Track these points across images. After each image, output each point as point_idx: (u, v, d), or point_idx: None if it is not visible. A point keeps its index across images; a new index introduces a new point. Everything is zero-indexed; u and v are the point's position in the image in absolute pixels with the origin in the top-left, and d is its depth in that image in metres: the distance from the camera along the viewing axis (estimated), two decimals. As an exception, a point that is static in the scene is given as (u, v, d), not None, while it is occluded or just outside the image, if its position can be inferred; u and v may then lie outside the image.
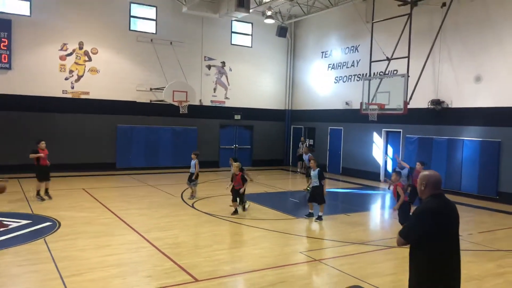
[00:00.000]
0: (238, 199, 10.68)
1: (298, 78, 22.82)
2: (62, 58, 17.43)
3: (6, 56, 16.26)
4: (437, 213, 3.45)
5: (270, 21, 19.35)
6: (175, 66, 19.36)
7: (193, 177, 12.50)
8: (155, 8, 19.28)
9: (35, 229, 8.62)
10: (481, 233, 9.67)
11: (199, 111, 20.00)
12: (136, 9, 19.06)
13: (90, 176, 16.47)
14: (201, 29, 20.32)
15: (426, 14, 15.55)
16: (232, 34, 21.43)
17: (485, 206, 12.90)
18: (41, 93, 16.96)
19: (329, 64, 20.66)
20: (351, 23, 19.15)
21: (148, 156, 19.23)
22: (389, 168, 17.44)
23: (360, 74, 18.65)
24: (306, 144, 16.67)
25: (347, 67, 19.64)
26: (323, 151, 20.47)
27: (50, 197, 11.73)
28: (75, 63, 17.69)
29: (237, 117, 21.53)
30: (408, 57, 14.13)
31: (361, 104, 15.55)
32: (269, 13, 18.65)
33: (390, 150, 17.67)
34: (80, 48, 17.75)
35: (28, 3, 16.72)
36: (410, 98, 14.11)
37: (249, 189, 11.74)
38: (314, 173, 10.38)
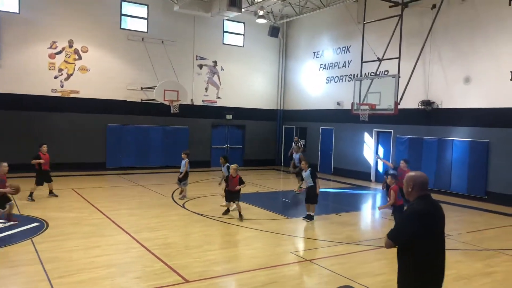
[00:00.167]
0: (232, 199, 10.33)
1: (290, 78, 22.85)
2: (51, 56, 17.23)
3: (-6, 54, 16.06)
4: (425, 215, 3.44)
5: (262, 21, 19.34)
6: (166, 65, 19.26)
7: (180, 176, 12.46)
8: (146, 7, 19.15)
9: (22, 230, 8.49)
10: (470, 232, 9.75)
11: (190, 111, 19.92)
12: (127, 7, 18.91)
13: (80, 176, 16.31)
14: (192, 28, 20.24)
15: (417, 16, 15.66)
16: (224, 33, 21.37)
17: (474, 205, 13.02)
18: (30, 92, 16.75)
19: (321, 64, 20.71)
20: (342, 24, 19.21)
21: (139, 156, 19.10)
22: (380, 168, 17.53)
23: (351, 75, 18.72)
24: (299, 144, 16.68)
25: (338, 68, 19.71)
26: (315, 151, 20.52)
27: (56, 195, 12.08)
28: (65, 61, 17.50)
29: (229, 116, 21.49)
30: (399, 58, 14.23)
31: (352, 104, 15.61)
32: (261, 12, 18.63)
33: (381, 150, 17.76)
34: (70, 46, 17.57)
35: (17, 0, 16.50)
36: (401, 99, 14.21)
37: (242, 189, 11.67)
38: (306, 174, 10.33)
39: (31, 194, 11.60)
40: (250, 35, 21.91)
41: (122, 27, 18.70)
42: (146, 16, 19.19)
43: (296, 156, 14.89)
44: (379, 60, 15.51)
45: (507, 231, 10.13)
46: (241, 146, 22.21)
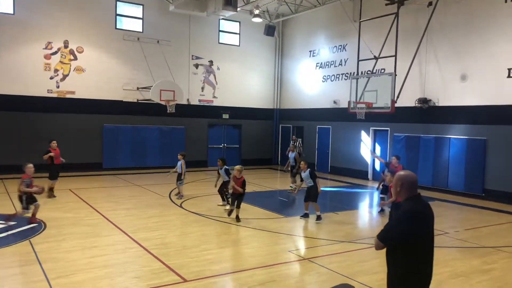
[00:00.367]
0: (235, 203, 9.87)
1: (286, 77, 22.85)
2: (46, 57, 17.16)
3: (-11, 54, 15.97)
4: (417, 214, 3.38)
5: (257, 19, 19.32)
6: (162, 65, 19.21)
7: (169, 173, 12.68)
8: (141, 7, 19.10)
9: (20, 231, 8.45)
10: (467, 230, 9.78)
11: (186, 110, 19.89)
12: (122, 7, 18.86)
13: (77, 176, 16.25)
14: (188, 28, 20.20)
15: (413, 14, 15.68)
16: (220, 32, 21.35)
17: (471, 203, 13.06)
18: (26, 93, 16.67)
19: (317, 63, 20.72)
20: (338, 22, 19.22)
21: (135, 156, 19.05)
22: (377, 167, 17.56)
23: (347, 73, 18.73)
24: (297, 143, 16.61)
25: (335, 66, 19.72)
26: (312, 150, 20.53)
27: (54, 196, 12.09)
28: (60, 62, 17.43)
29: (225, 116, 21.47)
30: (395, 56, 14.26)
31: (349, 102, 15.63)
32: (256, 11, 18.62)
33: (378, 148, 17.80)
34: (65, 46, 17.50)
35: (11, 0, 16.41)
36: (398, 97, 14.24)
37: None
38: (305, 174, 10.21)
39: (51, 190, 11.94)
40: (246, 34, 21.90)
41: (117, 27, 18.64)
42: (141, 16, 19.13)
43: (291, 155, 14.83)
44: (376, 58, 15.54)
45: (504, 228, 10.16)
46: (237, 146, 22.19)
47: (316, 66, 20.78)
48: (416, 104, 15.47)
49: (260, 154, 22.67)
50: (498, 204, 12.87)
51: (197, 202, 12.12)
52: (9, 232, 8.30)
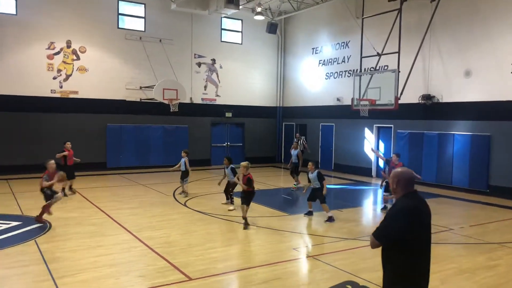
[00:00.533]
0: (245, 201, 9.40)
1: (288, 74, 22.81)
2: (49, 57, 17.20)
3: (-7, 55, 16.03)
4: (413, 211, 3.34)
5: (260, 17, 19.29)
6: (164, 64, 19.23)
7: (170, 169, 12.77)
8: (143, 6, 19.11)
9: (25, 231, 8.50)
10: (472, 226, 9.75)
11: (189, 109, 19.90)
12: (124, 7, 18.87)
13: (80, 176, 16.26)
14: (190, 26, 20.20)
15: (416, 10, 15.61)
16: (222, 31, 21.34)
17: (476, 199, 13.02)
18: (29, 93, 16.72)
19: (320, 60, 20.68)
20: (341, 19, 19.17)
21: (139, 155, 19.09)
22: (381, 164, 17.51)
23: (351, 70, 18.68)
24: (301, 141, 16.52)
25: (337, 63, 19.67)
26: (315, 147, 20.50)
27: (74, 192, 12.55)
28: (63, 62, 17.48)
29: (228, 114, 21.47)
30: (399, 52, 14.19)
31: (352, 100, 15.59)
32: (258, 9, 18.59)
33: (381, 145, 17.76)
34: (68, 46, 17.54)
35: (14, 1, 16.46)
36: (401, 93, 14.18)
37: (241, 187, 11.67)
38: (312, 175, 10.03)
39: (70, 188, 12.40)
40: (248, 32, 21.87)
41: (119, 26, 18.66)
42: (143, 15, 19.14)
43: (294, 152, 14.78)
44: (379, 55, 15.48)
45: (509, 224, 10.13)
46: (241, 144, 22.19)
47: (319, 63, 20.74)
48: (420, 101, 15.42)
49: (264, 152, 22.66)
50: (502, 200, 12.82)
51: (201, 200, 12.13)
52: (15, 232, 8.35)
